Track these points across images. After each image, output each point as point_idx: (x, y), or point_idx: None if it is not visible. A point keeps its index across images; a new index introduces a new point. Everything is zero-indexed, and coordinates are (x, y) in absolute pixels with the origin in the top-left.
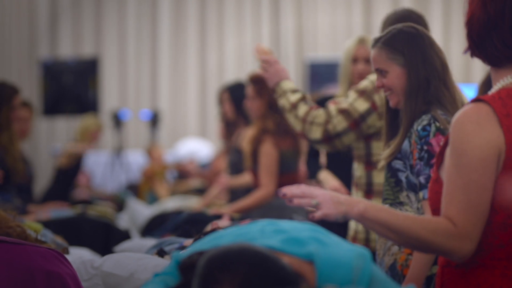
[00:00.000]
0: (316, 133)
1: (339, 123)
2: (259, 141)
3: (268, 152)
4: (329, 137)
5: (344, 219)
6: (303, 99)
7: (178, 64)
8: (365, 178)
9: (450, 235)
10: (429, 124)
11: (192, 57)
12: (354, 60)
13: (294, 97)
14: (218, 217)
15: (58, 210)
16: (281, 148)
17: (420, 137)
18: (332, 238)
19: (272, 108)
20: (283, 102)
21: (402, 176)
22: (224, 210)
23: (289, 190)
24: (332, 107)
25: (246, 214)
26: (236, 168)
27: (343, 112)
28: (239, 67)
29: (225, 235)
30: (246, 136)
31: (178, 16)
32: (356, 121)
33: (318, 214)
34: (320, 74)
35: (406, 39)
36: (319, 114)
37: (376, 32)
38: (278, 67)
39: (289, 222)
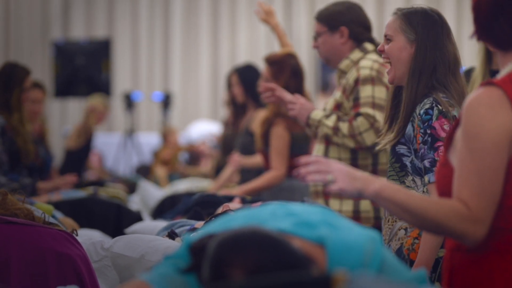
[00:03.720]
0: (370, 138)
1: (381, 117)
2: (271, 123)
3: (280, 135)
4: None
5: (358, 196)
6: (338, 119)
7: (191, 47)
8: (371, 159)
9: (464, 218)
10: (431, 108)
11: (204, 39)
12: None
13: (330, 122)
14: (229, 199)
15: (69, 192)
16: (292, 131)
17: (423, 121)
18: (343, 222)
19: (287, 91)
20: (324, 130)
21: (407, 161)
22: (235, 191)
23: (304, 166)
24: (364, 109)
25: (257, 196)
26: (247, 150)
27: (375, 106)
28: (252, 50)
29: (236, 218)
30: (257, 118)
31: None
32: None
33: (334, 187)
34: None
35: (424, 18)
36: (361, 121)
37: None
38: (301, 101)
39: (300, 205)
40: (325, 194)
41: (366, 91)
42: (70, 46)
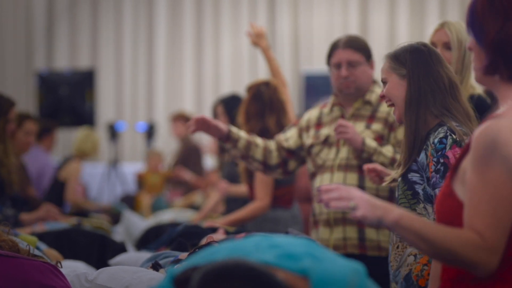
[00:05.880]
0: None
1: None
2: None
3: None
4: None
5: (378, 224)
6: (395, 150)
7: (174, 76)
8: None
9: (479, 248)
10: (445, 137)
11: (188, 69)
12: (433, 46)
13: (388, 152)
14: (213, 230)
15: (53, 223)
16: None
17: (436, 149)
18: (327, 254)
19: (247, 115)
20: (380, 159)
21: (419, 189)
22: (219, 222)
23: (326, 193)
24: None
25: (241, 227)
26: (233, 179)
27: None
28: (235, 80)
29: (220, 250)
30: None
31: (174, 28)
32: None
33: (357, 214)
34: (316, 87)
35: (410, 51)
36: None
37: (373, 40)
38: (352, 126)
39: (284, 237)
40: (359, 223)
41: None
42: (54, 77)
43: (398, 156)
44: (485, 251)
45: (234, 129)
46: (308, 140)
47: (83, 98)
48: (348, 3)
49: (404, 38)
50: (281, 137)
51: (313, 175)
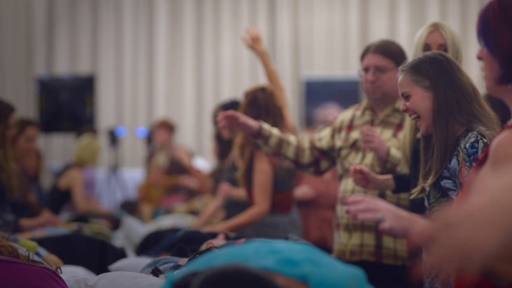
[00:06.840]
0: None
1: None
2: (254, 155)
3: (264, 170)
4: None
5: (404, 235)
6: None
7: (174, 82)
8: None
9: (502, 258)
10: (476, 141)
11: (188, 75)
12: (426, 47)
13: None
14: (213, 235)
15: (53, 228)
16: (276, 166)
17: (468, 154)
18: (327, 259)
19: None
20: (404, 170)
21: (453, 195)
22: (218, 228)
23: (354, 205)
24: None
25: (240, 232)
26: (232, 184)
27: None
28: (235, 86)
29: (220, 255)
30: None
31: (174, 34)
32: None
33: (385, 226)
34: (316, 92)
35: (431, 62)
36: None
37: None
38: (379, 135)
39: (283, 242)
40: (377, 231)
41: None
42: (54, 82)
43: None
44: (508, 260)
45: (265, 126)
46: (338, 142)
47: (83, 103)
48: (348, 5)
49: (404, 39)
50: (315, 136)
51: (340, 177)
